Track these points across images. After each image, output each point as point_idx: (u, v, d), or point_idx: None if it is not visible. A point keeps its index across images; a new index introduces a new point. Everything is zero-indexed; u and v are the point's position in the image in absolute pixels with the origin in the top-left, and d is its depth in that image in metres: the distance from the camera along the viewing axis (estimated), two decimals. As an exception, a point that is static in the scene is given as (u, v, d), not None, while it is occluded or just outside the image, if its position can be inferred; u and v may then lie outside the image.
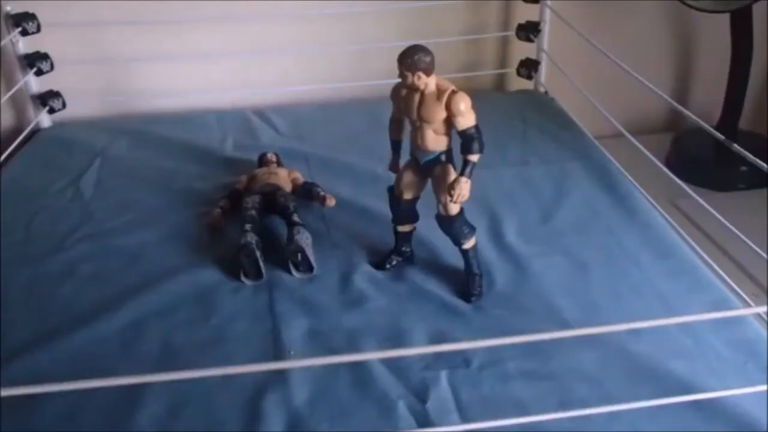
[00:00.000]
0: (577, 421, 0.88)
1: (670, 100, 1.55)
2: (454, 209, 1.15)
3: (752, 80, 1.93)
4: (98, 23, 1.86)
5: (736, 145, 1.26)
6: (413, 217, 1.26)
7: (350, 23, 1.98)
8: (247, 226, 1.29)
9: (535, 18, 1.98)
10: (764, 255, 1.18)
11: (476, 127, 1.10)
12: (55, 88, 1.87)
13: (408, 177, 1.21)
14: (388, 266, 1.28)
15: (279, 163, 1.57)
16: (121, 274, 1.29)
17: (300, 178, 1.51)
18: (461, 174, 1.10)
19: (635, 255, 1.31)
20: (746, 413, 0.96)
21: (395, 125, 1.23)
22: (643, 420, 0.93)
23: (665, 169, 1.48)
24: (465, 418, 0.96)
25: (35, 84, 1.85)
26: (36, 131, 1.86)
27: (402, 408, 0.98)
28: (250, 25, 1.95)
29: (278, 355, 1.09)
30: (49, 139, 1.83)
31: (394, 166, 1.25)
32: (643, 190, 1.52)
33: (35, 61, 1.80)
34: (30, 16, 1.77)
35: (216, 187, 1.54)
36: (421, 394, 1.00)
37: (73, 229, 1.43)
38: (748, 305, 1.20)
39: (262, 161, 1.56)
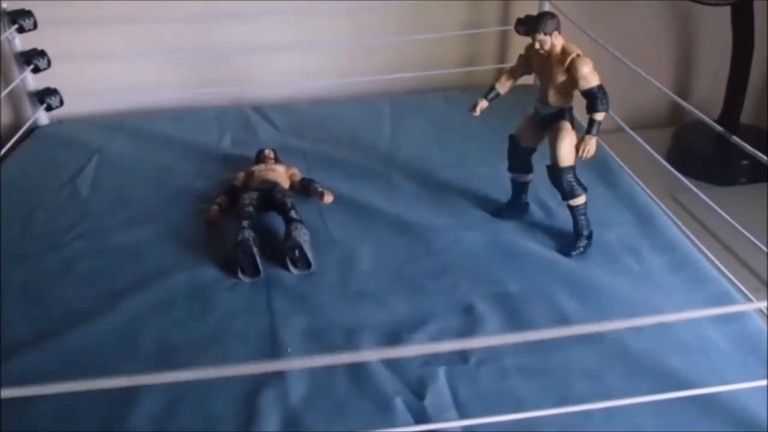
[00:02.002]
0: (576, 416, 0.88)
1: (670, 93, 1.54)
2: (562, 161, 1.23)
3: (753, 74, 1.92)
4: (95, 20, 1.85)
5: (735, 137, 1.25)
6: (527, 168, 1.37)
7: (349, 19, 1.97)
8: (245, 223, 1.29)
9: (533, 12, 1.97)
10: (765, 249, 1.17)
11: (600, 86, 1.18)
12: (52, 86, 1.86)
13: (529, 126, 1.32)
14: (501, 216, 1.38)
15: (277, 160, 1.56)
16: (118, 271, 1.28)
17: (298, 174, 1.51)
18: (588, 132, 1.19)
19: (636, 249, 1.31)
20: (747, 409, 0.95)
21: (508, 75, 1.35)
22: (642, 416, 0.93)
23: (666, 164, 1.47)
24: (463, 415, 0.95)
25: (32, 81, 1.85)
26: (33, 129, 1.85)
27: (399, 405, 0.97)
28: (247, 22, 1.94)
29: (276, 352, 1.08)
30: (47, 137, 1.82)
31: (474, 105, 1.33)
32: (643, 185, 1.51)
33: (32, 59, 1.80)
34: (26, 13, 1.77)
35: (214, 184, 1.54)
36: (418, 391, 0.99)
37: (70, 226, 1.42)
38: (749, 300, 1.19)
39: (260, 158, 1.56)
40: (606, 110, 1.19)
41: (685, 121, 2.17)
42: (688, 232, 1.37)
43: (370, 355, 1.04)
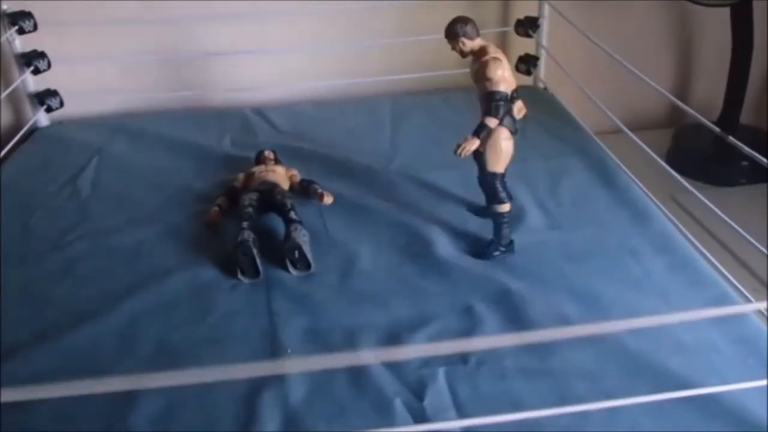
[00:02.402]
0: (576, 417, 0.88)
1: (669, 95, 1.54)
2: (488, 167, 1.24)
3: (753, 74, 1.92)
4: (95, 21, 1.86)
5: (732, 138, 1.25)
6: None
7: (349, 20, 1.97)
8: (244, 224, 1.29)
9: (533, 13, 1.97)
10: (764, 251, 1.17)
11: (502, 95, 1.18)
12: (52, 87, 1.87)
13: None
14: (480, 216, 1.39)
15: (276, 161, 1.56)
16: (118, 272, 1.28)
17: (297, 175, 1.51)
18: (474, 133, 1.19)
19: (635, 250, 1.31)
20: (746, 409, 0.95)
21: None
22: (642, 417, 0.93)
23: (665, 165, 1.47)
24: (462, 416, 0.95)
25: (32, 83, 1.85)
26: (33, 130, 1.85)
27: (399, 405, 0.97)
28: (247, 23, 1.94)
29: (276, 353, 1.08)
30: (47, 138, 1.82)
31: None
32: (642, 186, 1.52)
33: (32, 60, 1.80)
34: (26, 15, 1.77)
35: (214, 185, 1.54)
36: (418, 392, 0.99)
37: (70, 227, 1.42)
38: (749, 301, 1.19)
39: (260, 159, 1.56)
40: (497, 118, 1.18)
41: (684, 122, 2.17)
42: (688, 233, 1.37)
43: (369, 357, 1.04)
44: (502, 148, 1.22)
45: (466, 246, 1.32)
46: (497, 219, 1.29)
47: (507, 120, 1.22)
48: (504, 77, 1.19)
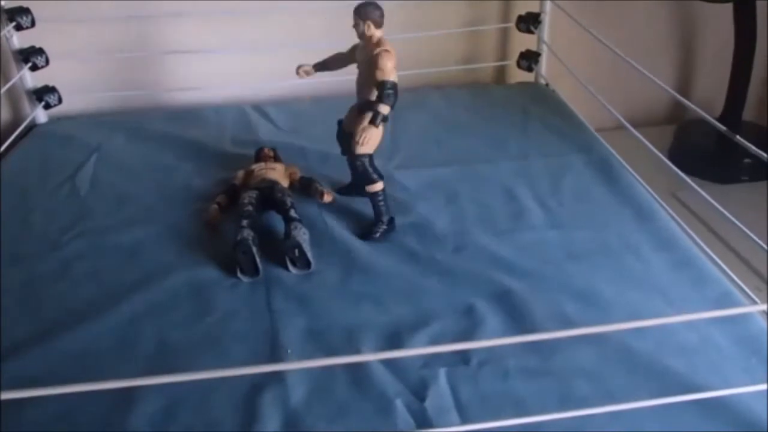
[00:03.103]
0: (578, 417, 0.87)
1: (672, 91, 1.53)
2: (359, 149, 1.28)
3: (755, 71, 1.92)
4: (93, 18, 1.84)
5: (738, 137, 1.24)
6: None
7: (349, 17, 1.96)
8: (244, 222, 1.28)
9: (535, 9, 1.96)
10: (766, 247, 1.17)
11: (394, 84, 1.25)
12: (50, 84, 1.86)
13: (351, 113, 1.37)
14: (344, 194, 1.46)
15: (276, 158, 1.55)
16: (117, 271, 1.27)
17: (297, 173, 1.50)
18: (371, 121, 1.25)
19: (636, 248, 1.30)
20: (749, 409, 0.95)
21: (337, 57, 1.40)
22: (643, 416, 0.92)
23: (667, 161, 1.46)
24: (464, 417, 0.94)
25: (30, 79, 1.84)
26: (32, 127, 1.84)
27: (400, 406, 0.96)
28: (247, 19, 1.93)
29: (275, 353, 1.07)
30: (45, 135, 1.81)
31: (299, 69, 1.40)
32: (644, 183, 1.51)
33: (30, 56, 1.79)
34: (24, 11, 1.76)
35: (213, 183, 1.53)
36: (419, 393, 0.99)
37: (69, 225, 1.41)
38: (751, 299, 1.19)
39: (260, 156, 1.55)
40: (391, 106, 1.24)
41: (686, 118, 2.16)
42: (689, 230, 1.36)
43: (368, 357, 1.03)
44: (374, 133, 1.27)
45: (467, 245, 1.31)
46: (374, 199, 1.34)
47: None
48: (393, 70, 1.25)
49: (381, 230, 1.34)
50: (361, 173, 1.33)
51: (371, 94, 1.29)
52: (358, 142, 1.26)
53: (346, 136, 1.36)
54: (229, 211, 1.39)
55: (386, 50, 1.25)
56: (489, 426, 0.82)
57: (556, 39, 1.98)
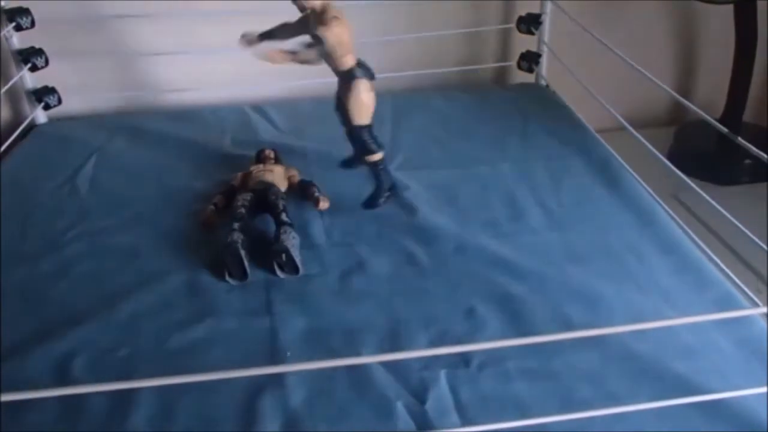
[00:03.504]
0: (579, 420, 0.87)
1: (672, 92, 1.53)
2: (355, 120, 1.28)
3: (756, 72, 1.91)
4: (93, 18, 1.84)
5: (740, 138, 1.24)
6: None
7: (349, 18, 1.95)
8: (235, 225, 1.27)
9: (536, 10, 1.96)
10: (767, 249, 1.16)
11: (322, 42, 1.21)
12: (50, 84, 1.85)
13: (338, 87, 1.35)
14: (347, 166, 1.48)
15: (277, 160, 1.55)
16: (117, 272, 1.27)
17: (297, 176, 1.49)
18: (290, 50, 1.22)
19: (637, 249, 1.30)
20: (750, 411, 0.94)
21: (283, 26, 1.36)
22: (645, 418, 0.92)
23: (668, 163, 1.46)
24: (464, 419, 0.94)
25: (30, 80, 1.83)
26: (31, 127, 1.84)
27: (400, 408, 0.96)
28: (247, 20, 1.92)
29: (275, 354, 1.07)
30: (45, 136, 1.81)
31: (242, 37, 1.37)
32: (645, 184, 1.51)
33: (30, 57, 1.78)
34: (24, 11, 1.75)
35: (213, 184, 1.52)
36: (419, 395, 0.98)
37: (68, 227, 1.41)
38: (753, 301, 1.18)
39: (260, 158, 1.54)
40: (316, 60, 1.22)
41: (687, 119, 2.16)
42: (690, 232, 1.36)
43: (369, 359, 1.03)
44: (364, 101, 1.27)
45: (467, 246, 1.31)
46: (373, 168, 1.35)
47: (362, 71, 1.29)
48: (339, 36, 1.22)
49: (383, 198, 1.35)
50: (359, 144, 1.33)
51: (340, 63, 1.28)
52: (351, 114, 1.26)
53: (343, 108, 1.36)
54: (225, 212, 1.39)
55: (335, 16, 1.22)
56: (490, 428, 0.82)
57: (557, 40, 1.98)
